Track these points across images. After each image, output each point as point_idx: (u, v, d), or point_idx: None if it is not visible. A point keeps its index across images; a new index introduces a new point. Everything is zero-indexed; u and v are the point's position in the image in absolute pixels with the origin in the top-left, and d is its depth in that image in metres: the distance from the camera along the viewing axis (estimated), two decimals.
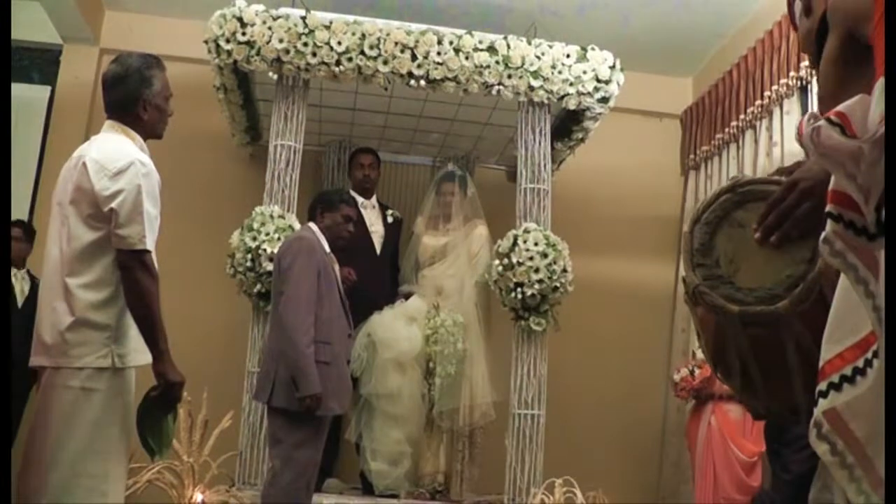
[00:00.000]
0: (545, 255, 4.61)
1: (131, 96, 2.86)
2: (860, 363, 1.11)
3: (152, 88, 2.90)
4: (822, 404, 1.15)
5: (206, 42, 4.68)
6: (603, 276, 6.18)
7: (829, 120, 1.12)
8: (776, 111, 5.11)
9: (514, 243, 4.65)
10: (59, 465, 2.60)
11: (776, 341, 1.41)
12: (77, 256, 2.71)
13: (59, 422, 2.62)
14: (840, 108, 1.14)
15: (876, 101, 1.06)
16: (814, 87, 4.74)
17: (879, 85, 1.06)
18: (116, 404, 2.72)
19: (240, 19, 4.63)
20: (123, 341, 2.74)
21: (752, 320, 1.43)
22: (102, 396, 2.68)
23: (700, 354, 5.05)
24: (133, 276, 2.71)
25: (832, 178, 1.13)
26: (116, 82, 2.88)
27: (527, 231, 4.70)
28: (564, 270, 4.65)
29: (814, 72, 4.47)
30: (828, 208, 1.12)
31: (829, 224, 1.12)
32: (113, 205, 2.69)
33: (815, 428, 1.16)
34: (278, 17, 4.66)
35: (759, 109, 5.27)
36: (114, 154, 2.77)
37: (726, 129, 5.73)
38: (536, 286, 4.58)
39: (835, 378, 1.14)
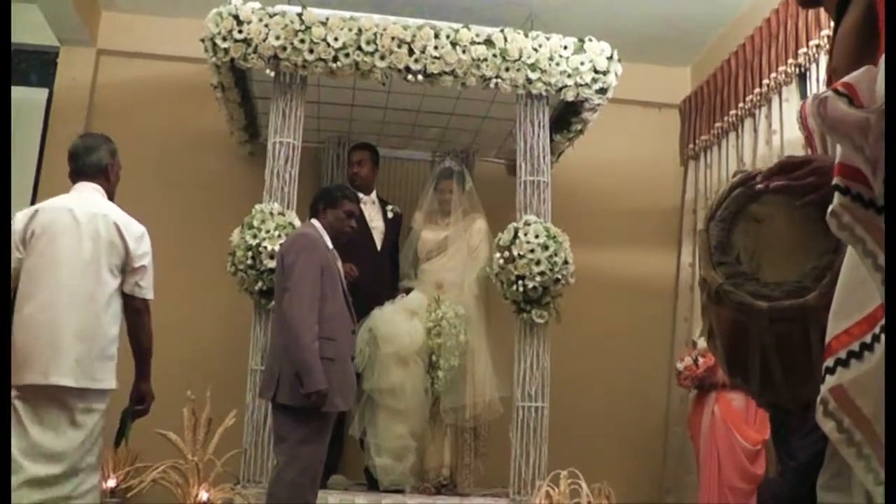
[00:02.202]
0: (546, 248, 4.60)
1: (103, 163, 3.56)
2: (868, 338, 1.09)
3: (116, 158, 3.63)
4: (829, 381, 1.13)
5: (202, 40, 4.67)
6: (604, 267, 6.18)
7: (836, 91, 1.11)
8: (775, 99, 5.10)
9: (515, 236, 4.65)
10: (82, 472, 3.25)
11: (802, 336, 1.38)
12: (105, 299, 3.36)
13: (85, 435, 3.27)
14: (847, 78, 1.13)
15: (881, 74, 1.05)
16: (812, 75, 4.73)
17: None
18: None
19: (236, 17, 4.62)
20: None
21: (781, 316, 1.39)
22: (105, 412, 3.41)
23: (702, 343, 5.04)
24: (143, 319, 3.53)
25: (839, 151, 1.12)
26: (90, 151, 3.57)
27: (527, 223, 4.69)
28: (566, 262, 4.65)
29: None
30: (835, 181, 1.11)
31: (837, 197, 1.10)
32: (144, 263, 3.49)
33: (821, 405, 1.14)
34: (274, 15, 4.65)
35: (758, 97, 5.26)
36: (128, 218, 3.52)
37: (725, 118, 5.72)
38: (538, 278, 4.57)
39: (842, 354, 1.12)
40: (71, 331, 3.26)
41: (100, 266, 3.35)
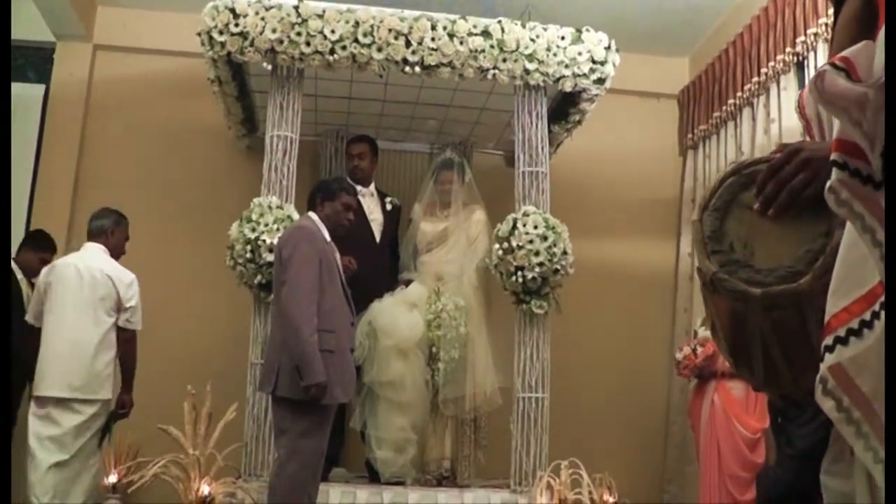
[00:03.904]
0: (545, 238, 4.60)
1: (104, 228, 4.62)
2: (867, 316, 1.09)
3: (120, 226, 4.67)
4: (828, 359, 1.13)
5: (199, 34, 4.66)
6: (604, 257, 6.18)
7: (833, 65, 1.11)
8: (773, 88, 5.10)
9: (514, 227, 4.64)
10: (83, 461, 4.33)
11: (799, 322, 1.37)
12: (103, 333, 4.39)
13: (84, 433, 4.33)
14: (845, 53, 1.12)
15: (880, 48, 1.05)
16: (810, 63, 4.72)
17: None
18: None
19: (232, 10, 4.61)
20: None
21: (775, 302, 1.38)
22: (104, 415, 4.44)
23: (702, 333, 5.04)
24: (133, 346, 4.52)
25: (837, 126, 1.11)
26: (97, 218, 4.66)
27: (526, 214, 4.69)
28: (565, 253, 4.64)
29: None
30: (833, 156, 1.10)
31: (835, 172, 1.10)
32: (132, 304, 4.47)
33: (820, 384, 1.14)
34: (271, 7, 4.63)
35: (756, 86, 5.26)
36: (123, 270, 4.54)
37: (724, 108, 5.72)
38: (537, 269, 4.57)
39: (841, 332, 1.12)
40: (73, 357, 4.33)
41: (96, 308, 4.40)
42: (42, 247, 5.33)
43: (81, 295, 4.40)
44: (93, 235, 4.63)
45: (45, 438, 4.27)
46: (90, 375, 4.36)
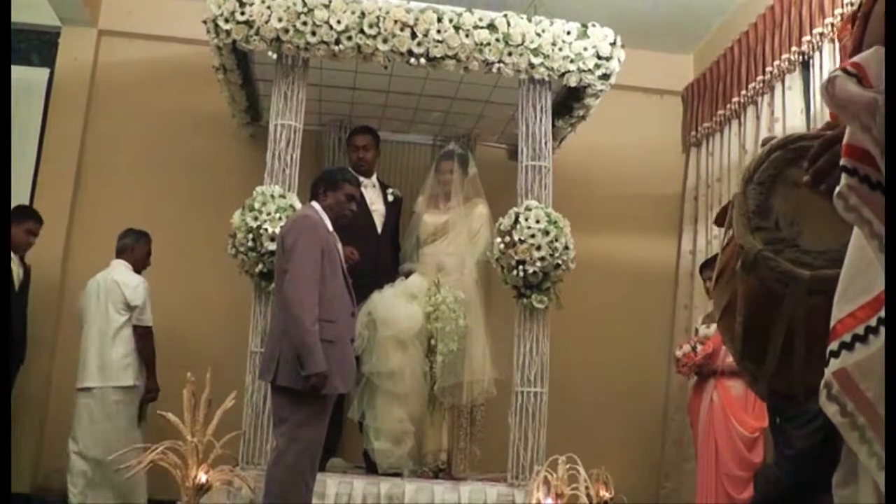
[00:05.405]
0: (547, 233, 4.60)
1: (126, 247, 5.35)
2: (873, 322, 1.09)
3: (139, 244, 5.38)
4: (833, 364, 1.13)
5: (204, 22, 4.65)
6: (605, 253, 6.18)
7: (845, 70, 1.10)
8: (778, 86, 5.10)
9: (516, 221, 4.64)
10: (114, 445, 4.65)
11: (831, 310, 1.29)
12: (115, 329, 5.13)
13: (112, 416, 5.05)
14: (856, 58, 1.12)
15: None
16: (816, 62, 4.72)
17: None
18: None
19: None
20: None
21: (821, 286, 1.31)
22: (132, 402, 5.17)
23: (702, 331, 5.04)
24: (147, 339, 5.22)
25: (847, 131, 1.11)
26: (121, 238, 5.36)
27: (528, 209, 4.68)
28: (566, 248, 4.64)
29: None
30: (842, 162, 1.10)
31: (844, 178, 1.09)
32: (138, 303, 5.16)
33: (825, 389, 1.13)
34: None
35: (761, 85, 5.26)
36: (132, 277, 5.25)
37: (728, 106, 5.71)
38: (538, 264, 4.57)
39: (846, 338, 1.11)
40: (96, 352, 5.13)
41: (108, 310, 5.16)
42: (23, 217, 5.32)
43: (99, 300, 5.19)
44: (118, 252, 5.36)
45: (87, 427, 5.04)
46: (109, 364, 5.10)
